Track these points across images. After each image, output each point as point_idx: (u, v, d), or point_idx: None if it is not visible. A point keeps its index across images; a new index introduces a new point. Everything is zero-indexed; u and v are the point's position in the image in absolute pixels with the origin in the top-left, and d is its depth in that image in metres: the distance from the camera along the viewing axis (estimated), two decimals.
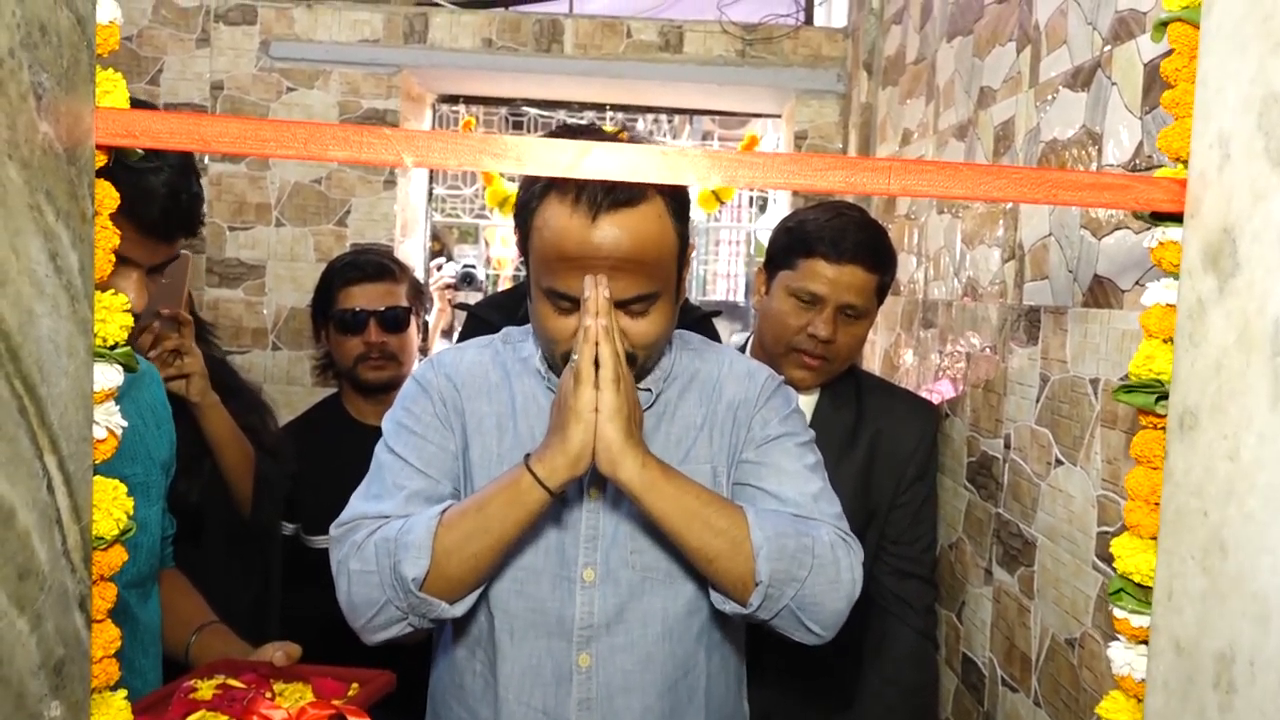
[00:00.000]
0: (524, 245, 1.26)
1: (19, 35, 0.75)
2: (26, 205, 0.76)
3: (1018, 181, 0.91)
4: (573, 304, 1.18)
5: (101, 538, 0.89)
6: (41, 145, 0.78)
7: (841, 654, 1.84)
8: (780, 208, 3.55)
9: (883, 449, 1.83)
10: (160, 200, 1.32)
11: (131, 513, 0.92)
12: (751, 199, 6.06)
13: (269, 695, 1.35)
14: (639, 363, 1.23)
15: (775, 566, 1.15)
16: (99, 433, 0.89)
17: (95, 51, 0.86)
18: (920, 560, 1.87)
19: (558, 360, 1.24)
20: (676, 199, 1.23)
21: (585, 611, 1.25)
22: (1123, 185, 0.93)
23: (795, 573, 1.17)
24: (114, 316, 0.89)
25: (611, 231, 1.16)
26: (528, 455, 1.19)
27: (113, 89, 0.89)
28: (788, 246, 1.77)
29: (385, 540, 1.21)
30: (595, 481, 1.26)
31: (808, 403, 1.83)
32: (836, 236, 1.71)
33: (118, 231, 0.88)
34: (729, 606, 1.20)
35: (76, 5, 0.83)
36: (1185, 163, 0.95)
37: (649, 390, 1.31)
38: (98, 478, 0.89)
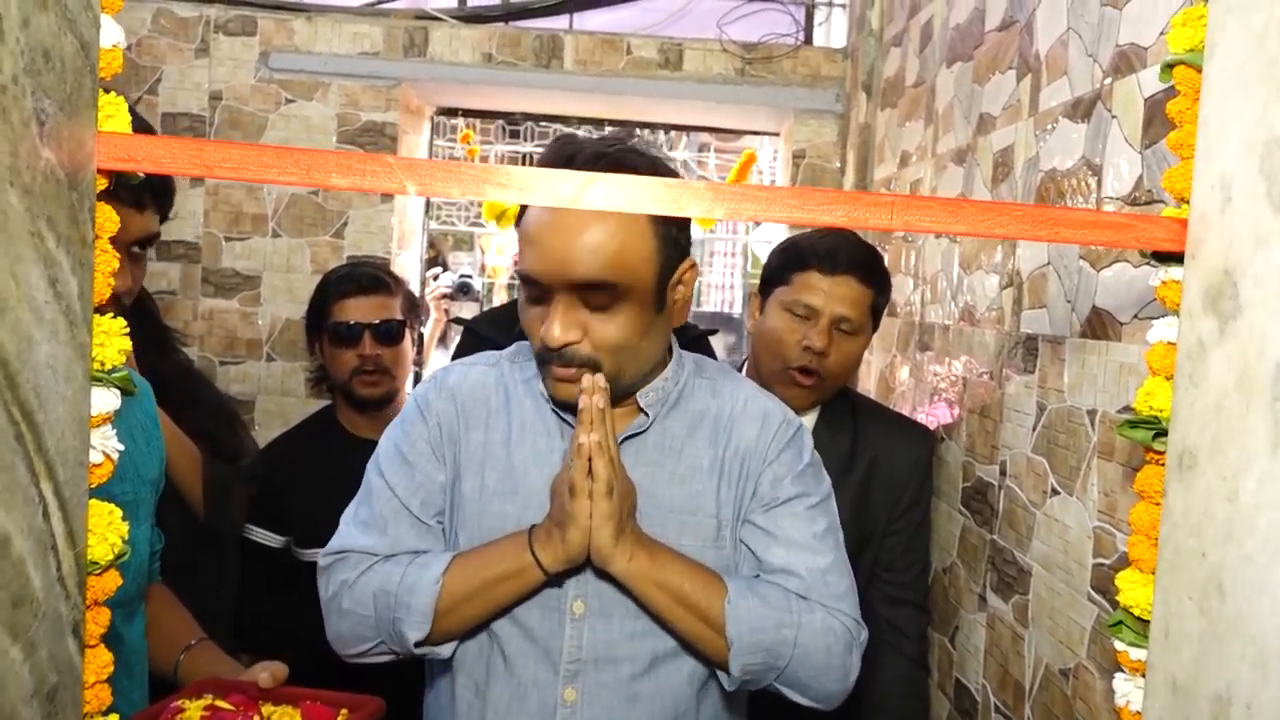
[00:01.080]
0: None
1: (23, 62, 0.75)
2: (27, 232, 0.76)
3: (1019, 219, 0.92)
4: (538, 289, 1.18)
5: (96, 562, 0.89)
6: (43, 172, 0.78)
7: None
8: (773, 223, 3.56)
9: (879, 475, 1.82)
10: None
11: (126, 536, 0.91)
12: None
13: (256, 718, 1.34)
14: (605, 370, 1.18)
15: (746, 662, 1.18)
16: (95, 457, 0.89)
17: (99, 75, 0.86)
18: (913, 586, 1.86)
19: (538, 363, 1.25)
20: None
21: (573, 645, 1.24)
22: (1124, 224, 0.93)
23: (773, 663, 1.19)
24: (112, 340, 0.89)
25: (566, 211, 1.14)
26: (532, 530, 1.20)
27: (115, 113, 0.89)
28: (782, 265, 1.79)
29: (385, 593, 1.23)
30: None
31: (805, 425, 1.82)
32: (831, 250, 1.73)
33: (117, 255, 0.88)
34: (719, 675, 1.23)
35: (81, 30, 0.83)
36: (1188, 203, 0.96)
37: (645, 414, 1.27)
38: (93, 502, 0.89)
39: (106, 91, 0.88)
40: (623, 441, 1.25)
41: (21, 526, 0.77)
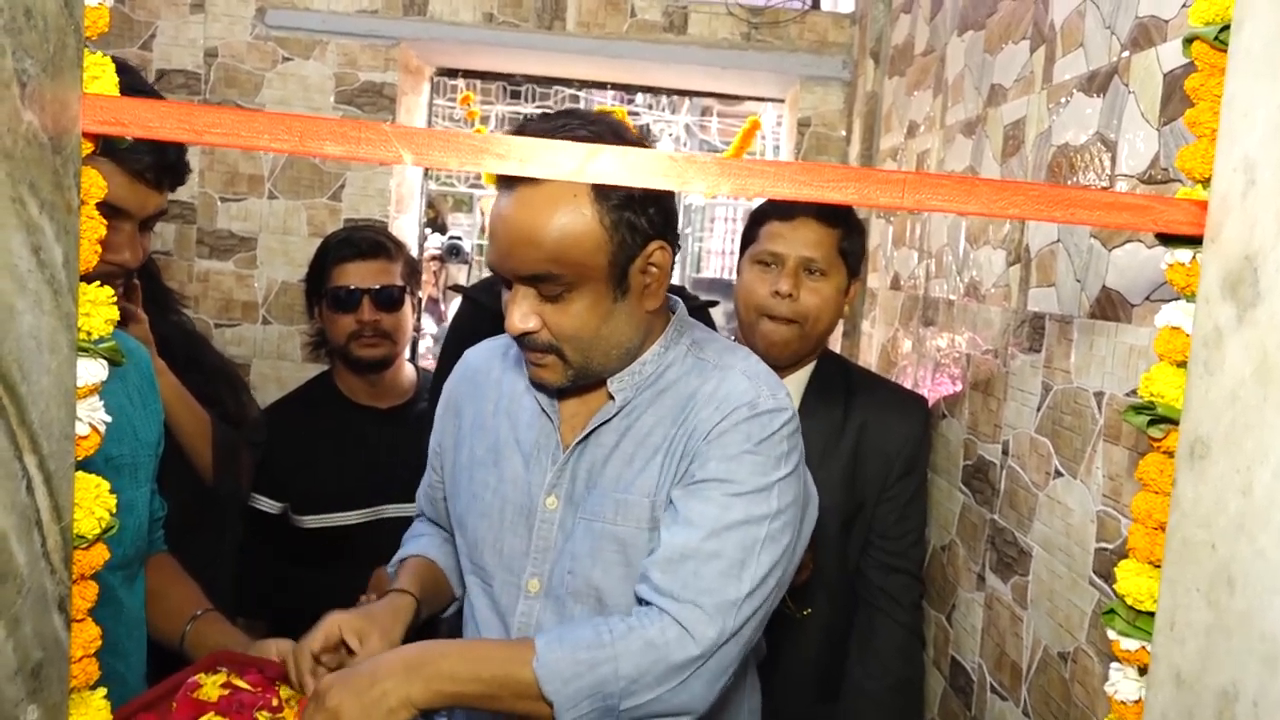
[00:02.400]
0: None
1: (2, 20, 0.71)
2: (9, 198, 0.73)
3: (1034, 199, 0.89)
4: (504, 281, 1.20)
5: (83, 536, 0.87)
6: (25, 135, 0.75)
7: (828, 648, 1.84)
8: None
9: (870, 442, 1.82)
10: (148, 144, 1.32)
11: (115, 510, 0.90)
12: None
13: (275, 702, 1.32)
14: (568, 357, 1.20)
15: (576, 715, 1.08)
16: (81, 429, 0.87)
17: (84, 35, 0.83)
18: (907, 555, 1.86)
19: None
20: (610, 191, 1.15)
21: (524, 622, 1.26)
22: (1142, 206, 0.91)
23: (605, 704, 1.09)
24: (98, 310, 0.86)
25: (519, 202, 1.14)
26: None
27: (101, 74, 0.86)
28: (750, 224, 1.85)
29: None
30: (554, 488, 1.26)
31: (795, 392, 1.81)
32: (790, 201, 1.74)
33: (104, 221, 0.85)
34: None
35: None
36: (1205, 183, 0.93)
37: (613, 398, 1.25)
38: (80, 474, 0.87)
39: (92, 51, 0.85)
40: (590, 432, 1.25)
41: (4, 502, 0.75)
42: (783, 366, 1.77)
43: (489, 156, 0.84)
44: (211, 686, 1.33)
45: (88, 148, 0.84)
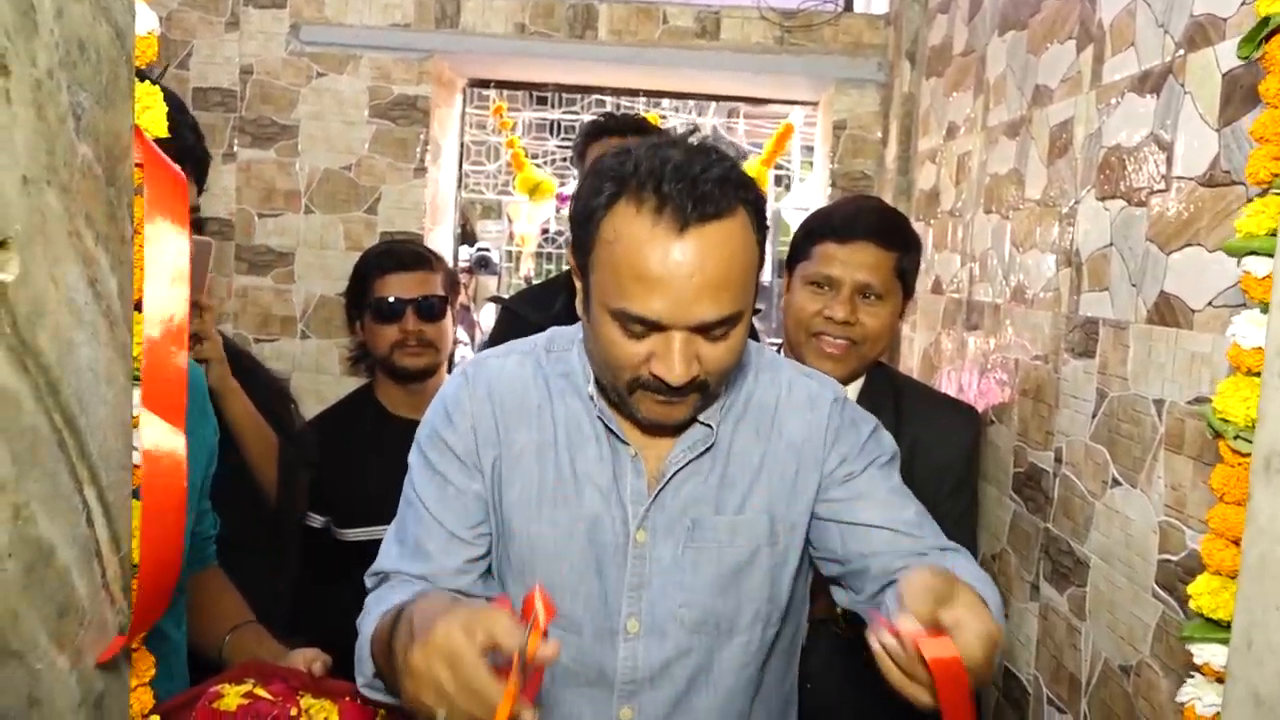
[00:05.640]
0: (584, 256, 1.11)
1: (58, 55, 0.71)
2: (66, 232, 0.73)
3: None
4: (647, 328, 1.06)
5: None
6: (81, 168, 0.74)
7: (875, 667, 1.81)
8: (806, 187, 3.49)
9: (922, 456, 1.77)
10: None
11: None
12: (778, 178, 5.98)
13: (294, 712, 1.32)
14: (711, 390, 1.13)
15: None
16: (138, 458, 0.87)
17: (134, 65, 0.83)
18: None
19: (621, 387, 1.12)
20: (758, 207, 1.10)
21: (628, 665, 1.19)
22: None
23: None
24: None
25: (700, 246, 1.03)
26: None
27: (152, 104, 0.86)
28: (802, 240, 1.78)
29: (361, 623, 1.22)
30: (643, 523, 1.19)
31: None
32: (846, 219, 1.71)
33: None
34: None
35: (115, 18, 0.80)
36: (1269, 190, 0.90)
37: (709, 426, 1.19)
38: (136, 503, 0.87)
39: (142, 80, 0.85)
40: (689, 462, 1.19)
41: (66, 535, 0.75)
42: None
43: None
44: (233, 696, 1.32)
45: (138, 178, 0.84)
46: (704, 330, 1.06)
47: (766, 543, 1.20)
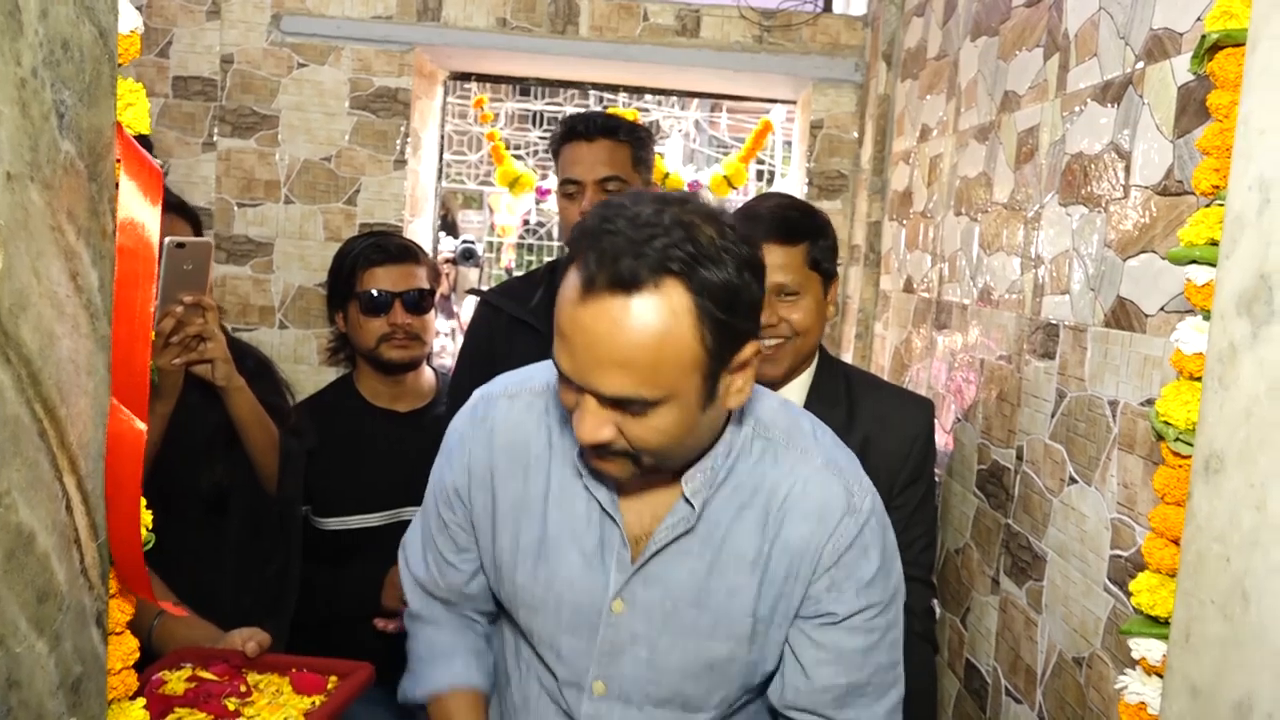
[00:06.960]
0: None
1: (41, 54, 0.73)
2: (48, 227, 0.75)
3: None
4: (567, 383, 1.05)
5: None
6: (63, 164, 0.76)
7: None
8: (787, 184, 3.53)
9: (876, 449, 1.76)
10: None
11: (150, 525, 0.92)
12: (760, 173, 6.00)
13: (243, 688, 1.34)
14: (644, 462, 1.07)
15: None
16: None
17: (117, 63, 0.85)
18: (917, 562, 1.84)
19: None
20: (711, 291, 0.99)
21: (591, 718, 1.21)
22: None
23: None
24: None
25: (599, 316, 0.98)
26: None
27: (135, 100, 0.88)
28: None
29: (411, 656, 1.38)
30: (621, 593, 1.17)
31: (795, 402, 1.79)
32: (746, 228, 1.70)
33: None
34: None
35: (99, 17, 0.82)
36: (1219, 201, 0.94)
37: (690, 504, 1.14)
38: None
39: (125, 78, 0.87)
40: (667, 545, 1.16)
41: (46, 523, 0.77)
42: (779, 381, 1.75)
43: None
44: (176, 681, 1.34)
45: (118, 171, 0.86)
46: (614, 403, 1.02)
47: (746, 642, 1.17)
